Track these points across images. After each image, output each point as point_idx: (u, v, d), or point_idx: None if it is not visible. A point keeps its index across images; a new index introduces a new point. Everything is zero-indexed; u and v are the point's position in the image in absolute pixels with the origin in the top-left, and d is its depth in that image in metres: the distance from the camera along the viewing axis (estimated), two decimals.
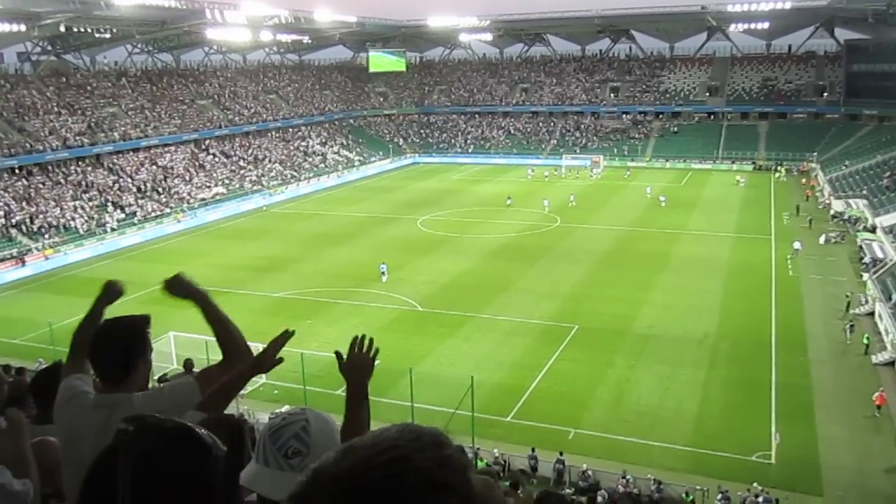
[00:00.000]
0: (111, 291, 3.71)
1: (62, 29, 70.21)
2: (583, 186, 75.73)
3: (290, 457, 2.08)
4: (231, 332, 3.42)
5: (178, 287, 3.44)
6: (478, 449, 23.91)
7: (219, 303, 3.49)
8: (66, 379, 3.18)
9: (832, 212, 59.67)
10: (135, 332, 3.05)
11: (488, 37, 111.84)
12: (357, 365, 2.91)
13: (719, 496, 21.61)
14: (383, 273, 44.33)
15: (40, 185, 59.89)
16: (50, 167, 62.86)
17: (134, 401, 2.95)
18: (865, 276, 41.71)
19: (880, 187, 60.13)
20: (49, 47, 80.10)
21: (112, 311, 3.57)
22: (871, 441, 25.18)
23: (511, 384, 29.74)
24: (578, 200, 65.86)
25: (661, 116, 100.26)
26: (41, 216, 55.45)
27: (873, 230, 51.42)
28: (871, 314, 36.78)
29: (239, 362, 3.29)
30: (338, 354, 2.92)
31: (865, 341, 32.67)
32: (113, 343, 3.00)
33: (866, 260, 44.47)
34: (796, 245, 48.11)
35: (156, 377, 26.51)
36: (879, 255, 44.82)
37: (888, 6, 72.64)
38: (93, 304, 3.64)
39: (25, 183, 59.33)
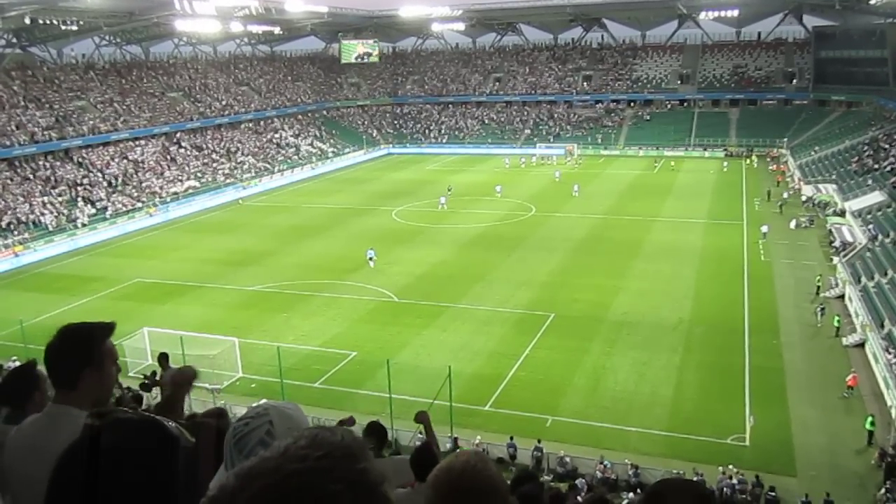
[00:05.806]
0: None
1: (27, 21, 68.65)
2: (554, 174, 75.95)
3: None
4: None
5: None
6: (456, 438, 24.00)
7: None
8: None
9: (802, 197, 60.46)
10: (85, 342, 2.89)
11: (461, 26, 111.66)
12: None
13: (695, 479, 21.90)
14: (371, 259, 44.64)
15: (8, 181, 58.79)
16: (17, 162, 61.72)
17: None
18: (835, 259, 42.37)
19: (849, 172, 61.10)
20: (14, 40, 78.44)
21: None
22: (843, 422, 25.66)
23: (488, 373, 29.85)
24: (556, 187, 65.80)
25: (633, 104, 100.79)
26: (9, 212, 54.46)
27: (842, 214, 52.26)
28: (842, 297, 37.45)
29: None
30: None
31: (836, 324, 33.22)
32: (60, 350, 2.85)
33: (836, 244, 45.18)
34: (764, 228, 48.91)
35: (131, 373, 26.26)
36: (849, 238, 45.60)
37: None
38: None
39: None
